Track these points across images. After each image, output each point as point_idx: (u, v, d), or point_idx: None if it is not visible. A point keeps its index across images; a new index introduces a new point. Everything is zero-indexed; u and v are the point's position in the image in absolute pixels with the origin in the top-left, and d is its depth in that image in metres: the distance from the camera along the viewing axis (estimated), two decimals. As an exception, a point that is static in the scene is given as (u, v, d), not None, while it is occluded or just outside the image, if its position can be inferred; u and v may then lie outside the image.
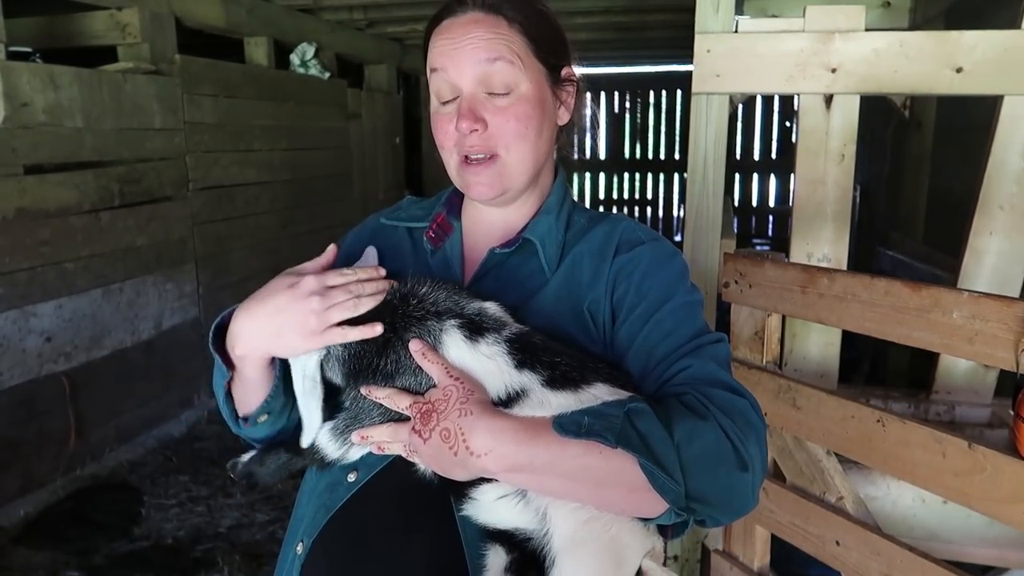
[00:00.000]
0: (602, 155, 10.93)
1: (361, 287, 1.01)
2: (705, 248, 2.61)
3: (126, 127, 4.05)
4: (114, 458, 4.04)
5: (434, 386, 0.97)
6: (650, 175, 10.94)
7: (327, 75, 6.04)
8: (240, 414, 1.14)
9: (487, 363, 0.97)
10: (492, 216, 1.19)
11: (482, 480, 0.95)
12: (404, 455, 1.00)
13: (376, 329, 0.99)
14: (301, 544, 1.06)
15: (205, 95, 4.70)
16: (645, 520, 0.96)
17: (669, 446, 0.87)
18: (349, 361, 1.03)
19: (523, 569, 0.95)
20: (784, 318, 2.16)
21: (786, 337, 2.56)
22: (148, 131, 4.22)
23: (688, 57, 2.56)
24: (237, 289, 5.04)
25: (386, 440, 1.00)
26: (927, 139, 4.45)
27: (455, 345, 0.99)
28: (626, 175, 11.02)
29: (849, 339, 2.61)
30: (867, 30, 2.41)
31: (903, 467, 1.63)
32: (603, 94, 10.65)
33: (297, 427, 1.10)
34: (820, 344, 2.62)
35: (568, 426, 0.89)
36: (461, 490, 0.97)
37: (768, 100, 9.92)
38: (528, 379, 0.96)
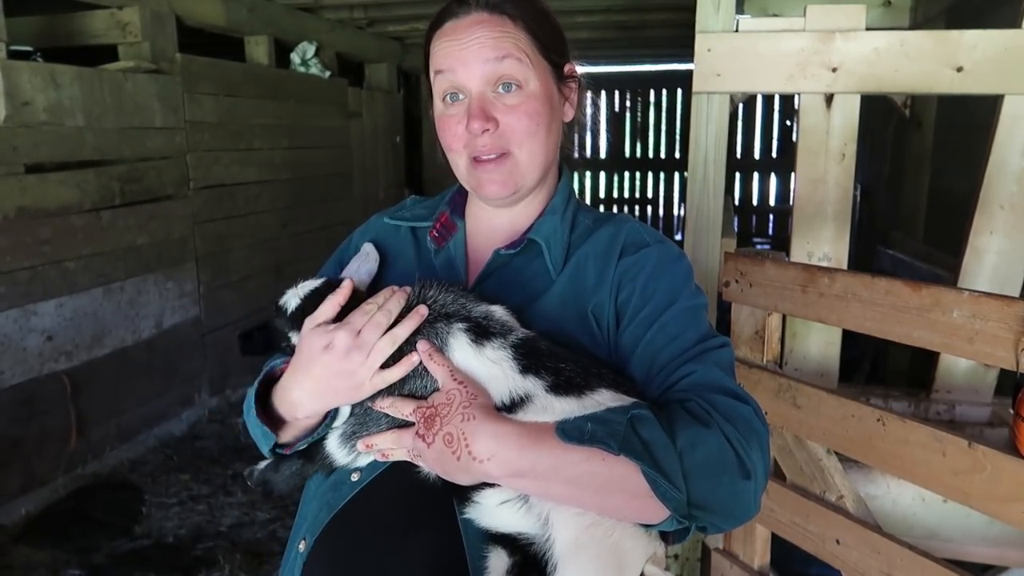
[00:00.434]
0: (602, 154, 10.93)
1: (388, 314, 1.00)
2: (706, 247, 2.61)
3: (127, 126, 4.06)
4: (115, 457, 4.04)
5: (437, 389, 0.97)
6: (650, 174, 10.94)
7: (328, 74, 6.04)
8: (280, 440, 1.10)
9: (492, 368, 0.97)
10: (497, 216, 1.19)
11: (485, 484, 0.95)
12: (408, 459, 1.00)
13: (414, 359, 0.99)
14: (304, 542, 1.06)
15: (206, 94, 4.70)
16: (647, 526, 0.96)
17: (672, 453, 0.88)
18: None
19: (525, 572, 0.95)
20: (784, 317, 2.16)
21: (786, 336, 2.57)
22: (149, 130, 4.23)
23: (689, 56, 2.57)
24: (238, 288, 5.05)
25: (390, 446, 1.00)
26: (927, 138, 4.44)
27: (461, 348, 0.99)
28: (626, 174, 11.01)
29: (849, 338, 2.61)
30: (868, 29, 2.41)
31: (903, 466, 1.63)
32: (603, 93, 10.64)
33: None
34: (820, 343, 2.62)
35: (571, 432, 0.89)
36: (464, 493, 0.98)
37: (768, 99, 9.91)
38: (532, 384, 0.96)
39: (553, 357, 0.99)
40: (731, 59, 2.48)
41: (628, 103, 10.75)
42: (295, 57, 5.85)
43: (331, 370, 0.99)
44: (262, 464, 1.12)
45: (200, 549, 3.26)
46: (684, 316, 1.04)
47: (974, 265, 2.44)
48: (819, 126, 2.49)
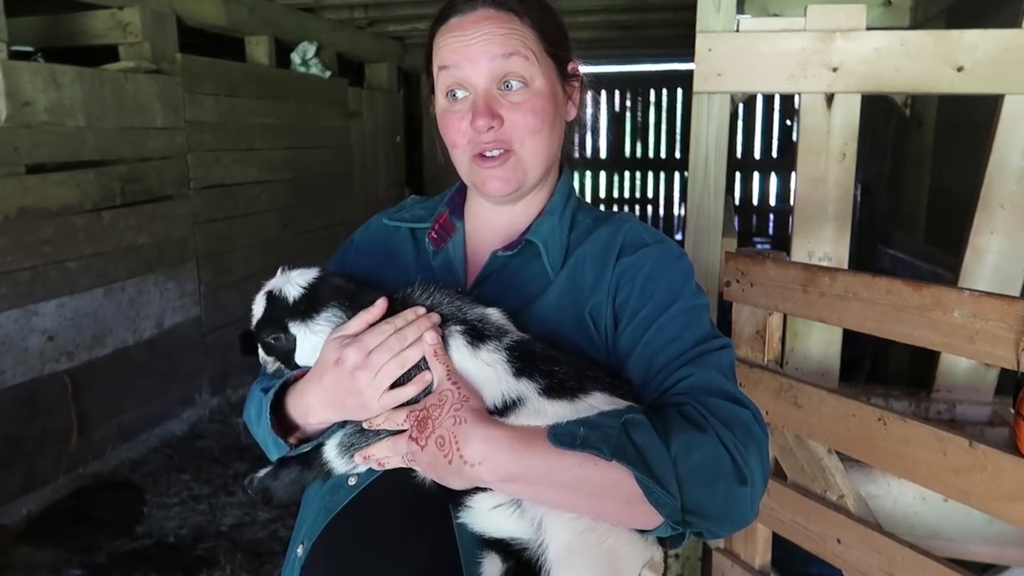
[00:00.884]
0: (603, 154, 10.93)
1: (403, 340, 0.98)
2: (706, 247, 2.61)
3: (128, 126, 4.06)
4: (116, 456, 4.04)
5: (430, 392, 0.97)
6: (651, 174, 10.94)
7: (328, 74, 6.04)
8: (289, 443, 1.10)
9: (486, 370, 0.97)
10: (496, 216, 1.18)
11: (478, 488, 0.95)
12: (405, 466, 1.00)
13: (427, 378, 0.98)
14: (302, 546, 1.06)
15: (206, 94, 4.70)
16: (642, 531, 0.95)
17: (665, 459, 0.87)
18: None
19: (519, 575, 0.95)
20: (785, 317, 2.16)
21: (787, 336, 2.57)
22: (149, 130, 4.23)
23: (689, 56, 2.57)
24: (238, 288, 5.05)
25: (386, 455, 1.00)
26: (928, 138, 4.45)
27: (457, 349, 0.99)
28: (627, 174, 11.01)
29: (849, 338, 2.62)
30: (868, 29, 2.41)
31: (904, 465, 1.63)
32: (604, 93, 10.63)
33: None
34: (821, 343, 2.62)
35: (563, 437, 0.88)
36: (458, 498, 0.97)
37: (768, 98, 9.91)
38: (525, 388, 0.96)
39: (547, 360, 0.98)
40: (732, 59, 2.49)
41: (628, 103, 10.75)
42: (295, 57, 5.85)
43: (338, 385, 0.98)
44: (262, 472, 1.11)
45: (201, 549, 3.26)
46: (683, 317, 1.03)
47: (974, 265, 2.44)
48: (820, 126, 2.49)
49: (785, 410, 1.91)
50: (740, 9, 2.86)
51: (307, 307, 1.04)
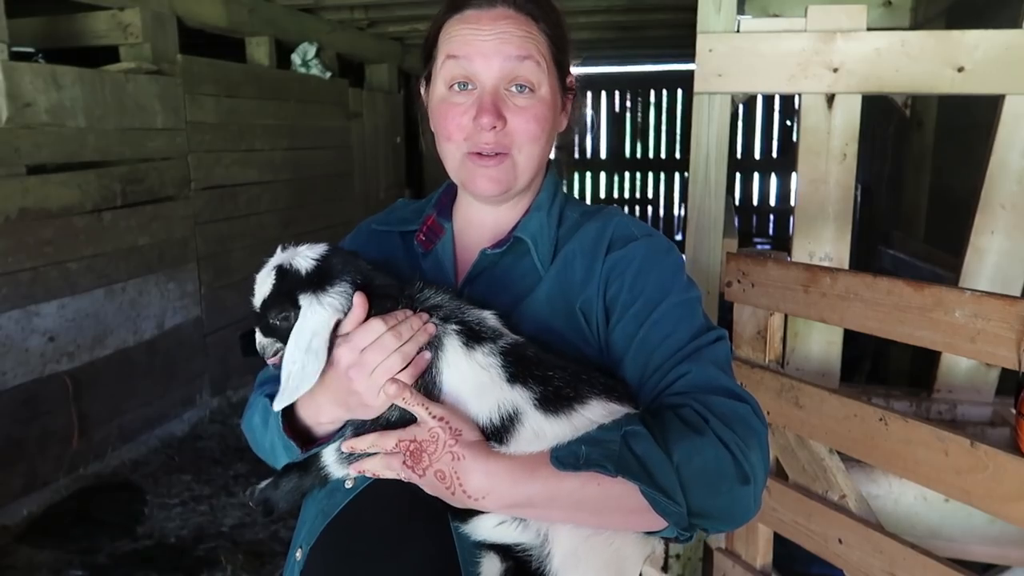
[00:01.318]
0: (603, 154, 10.93)
1: (398, 336, 0.95)
2: (707, 247, 2.61)
3: (128, 127, 4.06)
4: (117, 457, 4.04)
5: (414, 420, 0.95)
6: (651, 174, 10.94)
7: (328, 75, 6.05)
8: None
9: (481, 374, 0.96)
10: (483, 215, 1.18)
11: (480, 511, 0.95)
12: (396, 478, 0.99)
13: (426, 356, 0.97)
14: (300, 551, 1.06)
15: (207, 95, 4.70)
16: (647, 533, 0.96)
17: (668, 468, 0.87)
18: None
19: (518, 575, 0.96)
20: (786, 317, 2.16)
21: (788, 336, 2.57)
22: (150, 131, 4.23)
23: (689, 56, 2.57)
24: (239, 288, 5.05)
25: (379, 470, 0.99)
26: (928, 138, 4.45)
27: (453, 350, 0.98)
28: (627, 174, 11.01)
29: (849, 338, 2.62)
30: (868, 29, 2.41)
31: (905, 465, 1.63)
32: (604, 93, 10.64)
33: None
34: (822, 343, 2.62)
35: (566, 459, 0.88)
36: (459, 511, 0.97)
37: (769, 99, 9.91)
38: (520, 397, 0.95)
39: (542, 366, 0.97)
40: (732, 59, 2.49)
41: (629, 103, 10.75)
42: (296, 58, 5.85)
43: (338, 385, 0.97)
44: (262, 484, 1.10)
45: (202, 549, 3.26)
46: (676, 311, 1.03)
47: (975, 265, 2.44)
48: (820, 126, 2.49)
49: (786, 410, 1.91)
50: (741, 10, 2.86)
51: (320, 279, 0.98)
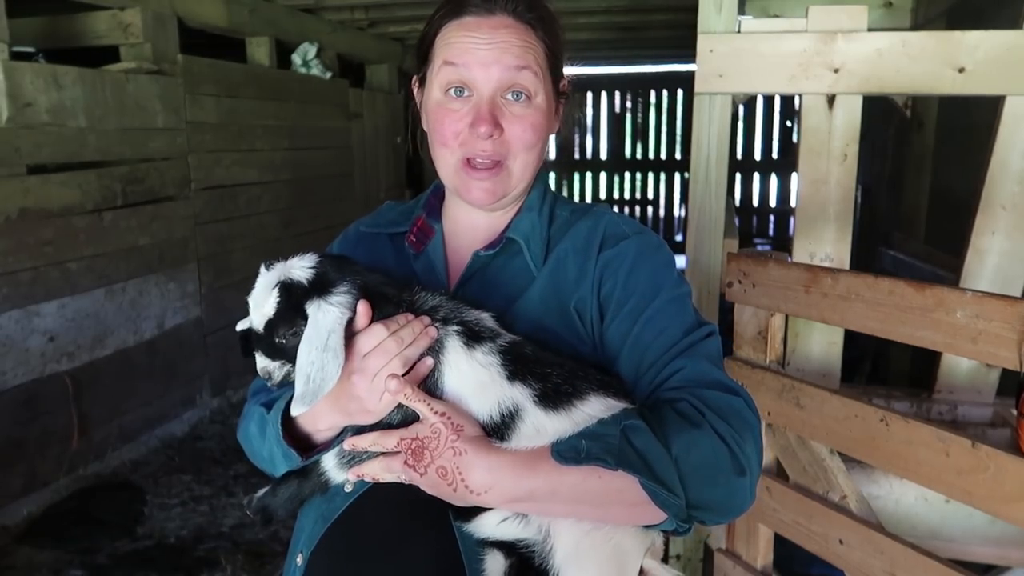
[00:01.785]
0: (603, 155, 10.93)
1: (400, 342, 0.96)
2: (708, 248, 2.61)
3: (129, 127, 4.06)
4: (117, 457, 4.04)
5: (417, 418, 0.95)
6: (651, 175, 10.93)
7: (329, 75, 6.05)
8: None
9: (481, 372, 0.97)
10: (474, 217, 1.18)
11: (481, 508, 0.96)
12: (396, 481, 0.98)
13: (428, 362, 0.98)
14: (301, 556, 1.06)
15: (207, 95, 4.70)
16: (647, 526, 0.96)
17: (668, 461, 0.88)
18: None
19: (522, 573, 0.96)
20: (787, 318, 2.16)
21: (789, 336, 2.57)
22: (150, 131, 4.23)
23: (690, 57, 2.57)
24: (239, 289, 5.03)
25: (379, 473, 0.99)
26: (929, 139, 4.45)
27: (454, 350, 0.98)
28: (627, 175, 11.01)
29: (850, 338, 2.62)
30: (869, 30, 2.41)
31: (906, 466, 1.63)
32: (604, 94, 10.64)
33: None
34: (822, 343, 2.62)
35: (567, 453, 0.89)
36: (461, 510, 0.97)
37: (769, 99, 9.92)
38: (520, 394, 0.96)
39: (540, 363, 0.98)
40: (733, 60, 2.49)
41: (629, 104, 10.75)
42: (296, 58, 5.85)
43: (339, 390, 0.97)
44: (260, 491, 1.10)
45: (202, 550, 3.26)
46: (669, 308, 1.04)
47: (976, 266, 2.44)
48: (821, 127, 2.49)
49: (787, 411, 1.91)
50: (741, 10, 2.86)
51: (322, 285, 0.98)
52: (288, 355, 1.00)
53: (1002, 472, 1.43)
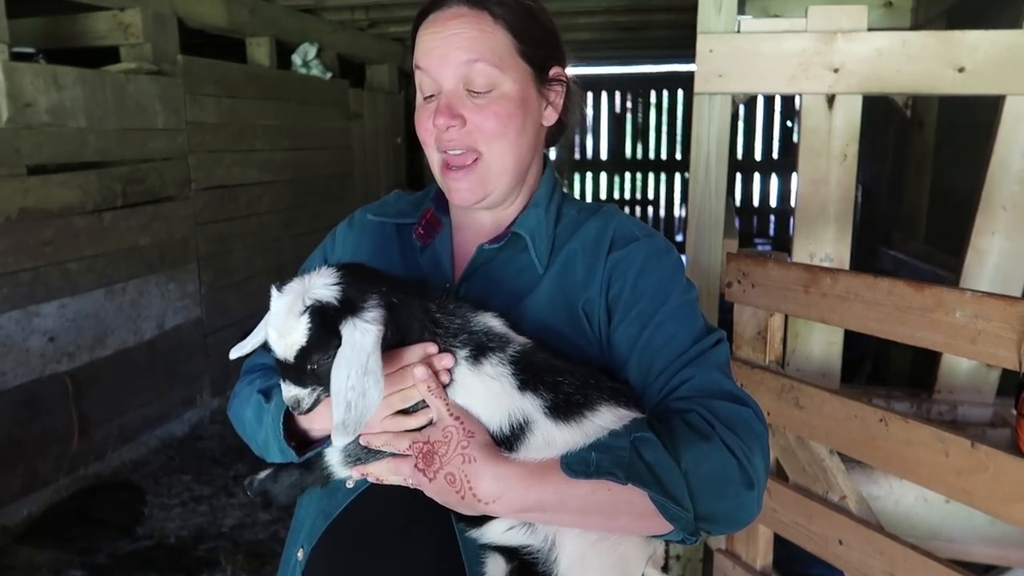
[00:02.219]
0: (603, 155, 10.93)
1: (404, 377, 0.94)
2: (708, 248, 2.61)
3: (129, 127, 4.06)
4: (117, 458, 4.04)
5: (431, 422, 0.95)
6: (651, 175, 10.94)
7: (329, 75, 6.05)
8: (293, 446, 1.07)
9: (492, 384, 0.95)
10: (481, 213, 1.17)
11: (487, 516, 0.95)
12: (403, 484, 0.98)
13: (430, 413, 0.95)
14: (301, 550, 1.06)
15: (207, 95, 4.70)
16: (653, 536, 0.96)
17: (677, 474, 0.88)
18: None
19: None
20: (787, 318, 2.16)
21: (788, 337, 2.57)
22: (151, 131, 4.23)
23: (690, 57, 2.57)
24: (239, 289, 5.05)
25: (386, 475, 0.98)
26: (929, 139, 4.45)
27: (462, 372, 0.96)
28: (627, 175, 11.02)
29: (850, 338, 2.61)
30: (869, 30, 2.41)
31: (906, 466, 1.63)
32: (604, 94, 10.64)
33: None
34: (822, 343, 2.62)
35: (576, 466, 0.89)
36: (467, 518, 0.97)
37: (769, 99, 9.92)
38: (531, 405, 0.94)
39: (551, 371, 0.96)
40: (733, 60, 2.49)
41: (629, 104, 10.75)
42: (296, 58, 5.85)
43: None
44: (262, 474, 1.10)
45: (202, 550, 3.26)
46: (678, 314, 1.03)
47: (976, 266, 2.44)
48: (821, 127, 2.49)
49: (787, 411, 1.91)
50: (741, 10, 2.86)
51: (352, 302, 0.91)
52: (321, 380, 0.93)
53: (1001, 472, 1.43)
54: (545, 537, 0.95)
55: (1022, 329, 1.42)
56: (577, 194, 10.74)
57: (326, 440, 1.03)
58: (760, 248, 7.78)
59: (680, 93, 10.39)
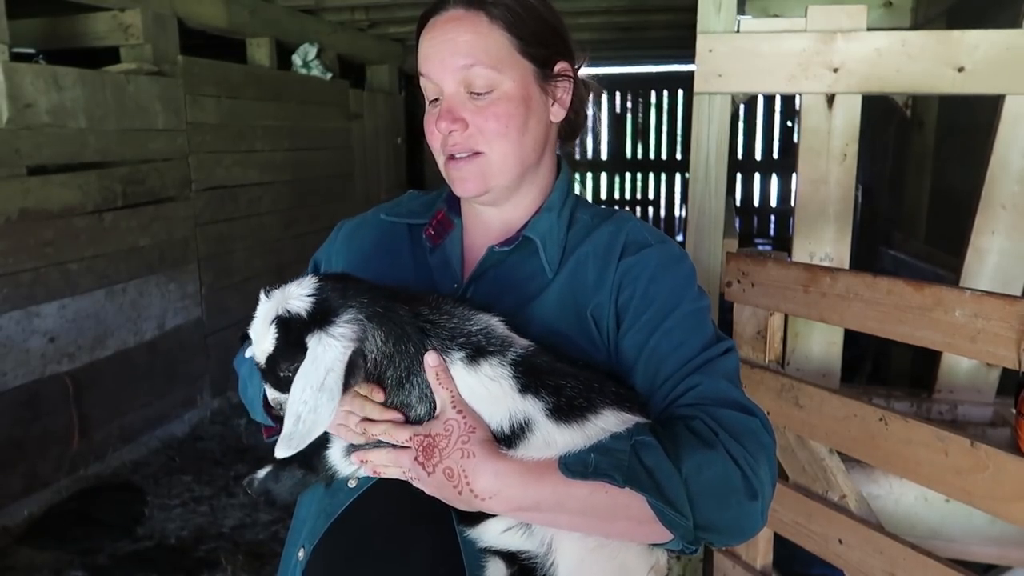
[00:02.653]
0: (604, 155, 10.93)
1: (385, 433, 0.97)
2: (708, 248, 2.61)
3: (129, 128, 4.06)
4: (117, 458, 4.04)
5: (434, 414, 0.95)
6: (651, 175, 10.94)
7: (329, 75, 6.05)
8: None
9: (491, 385, 0.94)
10: (491, 214, 1.17)
11: (485, 514, 0.95)
12: (403, 479, 0.98)
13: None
14: (303, 550, 1.06)
15: (207, 96, 4.70)
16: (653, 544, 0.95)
17: (677, 481, 0.86)
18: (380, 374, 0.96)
19: None
20: (786, 317, 2.16)
21: (788, 336, 2.56)
22: (151, 132, 4.23)
23: (690, 57, 2.57)
24: (240, 289, 5.05)
25: (385, 464, 0.98)
26: (929, 138, 4.45)
27: (456, 369, 0.95)
28: (627, 175, 11.02)
29: (850, 338, 2.61)
30: (869, 30, 2.41)
31: (906, 465, 1.63)
32: (604, 94, 10.63)
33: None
34: (822, 343, 2.62)
35: (574, 467, 0.88)
36: (465, 516, 0.97)
37: (770, 99, 9.91)
38: (532, 407, 0.93)
39: (554, 374, 0.96)
40: (733, 60, 2.49)
41: (629, 104, 10.76)
42: (297, 59, 5.85)
43: None
44: (262, 473, 1.10)
45: (202, 550, 3.26)
46: (687, 321, 1.02)
47: (976, 265, 2.44)
48: (821, 126, 2.49)
49: (787, 410, 1.91)
50: (741, 10, 2.86)
51: (323, 315, 0.92)
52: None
53: (1001, 471, 1.43)
54: (543, 541, 0.94)
55: (1022, 328, 1.42)
56: (575, 189, 10.72)
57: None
58: (761, 248, 7.78)
59: (680, 93, 10.39)
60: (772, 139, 10.26)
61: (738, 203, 10.17)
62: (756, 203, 10.49)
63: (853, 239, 2.59)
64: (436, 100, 1.09)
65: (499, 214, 1.16)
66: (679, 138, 10.57)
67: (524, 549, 0.95)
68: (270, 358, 0.93)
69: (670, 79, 10.34)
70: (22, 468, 3.51)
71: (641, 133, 10.82)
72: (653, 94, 10.67)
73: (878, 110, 4.90)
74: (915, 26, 3.81)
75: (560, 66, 1.12)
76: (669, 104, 10.62)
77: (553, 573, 0.93)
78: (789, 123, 9.97)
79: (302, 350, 0.90)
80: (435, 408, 0.95)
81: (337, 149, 6.33)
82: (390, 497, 1.01)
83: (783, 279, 1.93)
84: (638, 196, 11.01)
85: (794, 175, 2.71)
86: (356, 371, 0.92)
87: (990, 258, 2.42)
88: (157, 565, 3.15)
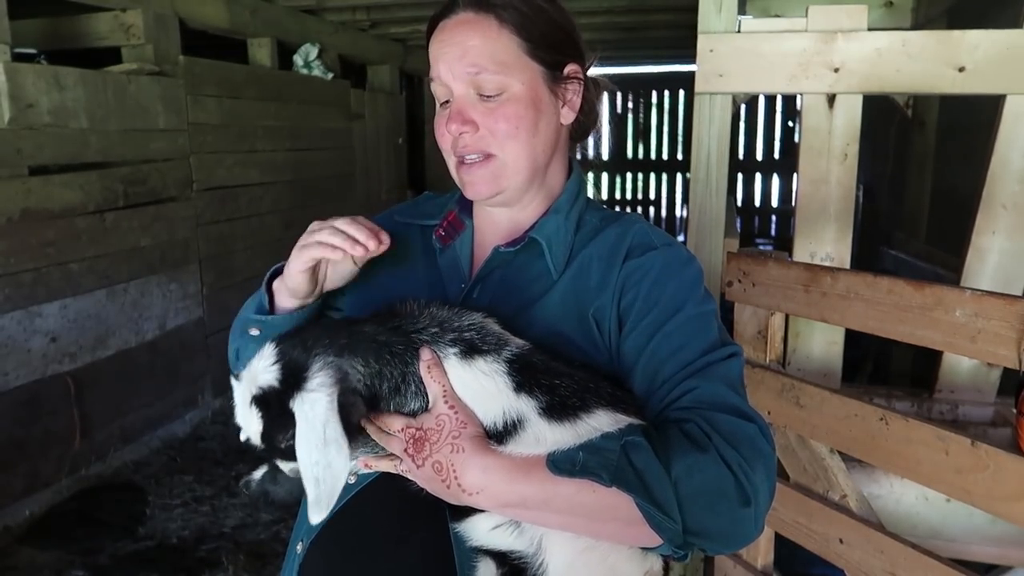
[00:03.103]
0: (605, 155, 10.93)
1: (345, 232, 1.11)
2: (708, 247, 2.61)
3: (130, 128, 4.07)
4: (119, 458, 4.05)
5: (426, 408, 0.95)
6: (652, 175, 10.94)
7: (330, 76, 6.05)
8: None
9: (485, 381, 0.94)
10: (500, 215, 1.17)
11: (475, 509, 0.95)
12: (393, 472, 0.98)
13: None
14: (301, 544, 1.07)
15: (209, 96, 4.71)
16: (644, 549, 0.95)
17: (666, 483, 0.85)
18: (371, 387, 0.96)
19: None
20: (787, 317, 2.16)
21: (789, 336, 2.57)
22: (152, 132, 4.24)
23: (690, 57, 2.57)
24: (241, 289, 5.05)
25: (372, 458, 0.99)
26: (930, 138, 4.44)
27: (450, 366, 0.96)
28: (628, 175, 11.02)
29: (851, 338, 2.61)
30: (869, 30, 2.41)
31: (906, 465, 1.63)
32: (605, 94, 10.61)
33: None
34: (823, 343, 2.62)
35: (562, 464, 0.88)
36: (456, 510, 0.97)
37: (770, 99, 9.91)
38: (526, 406, 0.93)
39: (548, 373, 0.96)
40: (733, 60, 2.49)
41: (630, 104, 10.76)
42: (298, 59, 5.86)
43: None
44: (258, 474, 1.09)
45: (204, 550, 3.26)
46: (690, 325, 1.01)
47: (976, 265, 2.44)
48: (821, 126, 2.49)
49: (787, 410, 1.91)
50: (742, 10, 2.86)
51: (294, 378, 0.91)
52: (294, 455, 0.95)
53: (1002, 471, 1.43)
54: (533, 541, 0.94)
55: (1022, 328, 1.42)
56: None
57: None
58: (762, 248, 7.78)
59: (681, 93, 10.40)
60: (773, 139, 10.26)
61: (739, 203, 10.17)
62: (757, 203, 10.50)
63: (854, 239, 2.59)
64: (446, 102, 1.10)
65: (508, 215, 1.16)
66: (680, 138, 10.57)
67: (514, 548, 0.95)
68: (264, 436, 0.94)
69: (671, 79, 10.35)
70: (23, 468, 3.51)
71: (642, 133, 10.83)
72: (654, 94, 10.68)
73: (879, 110, 4.90)
74: (916, 26, 3.81)
75: (570, 68, 1.12)
76: (670, 104, 10.62)
77: (543, 574, 0.93)
78: (790, 123, 9.97)
79: (291, 418, 0.89)
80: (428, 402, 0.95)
81: (338, 149, 6.33)
82: (387, 495, 1.02)
83: (784, 279, 1.93)
84: (639, 196, 11.02)
85: (795, 175, 2.71)
86: (354, 408, 0.92)
87: (991, 258, 2.42)
88: (158, 565, 3.15)
